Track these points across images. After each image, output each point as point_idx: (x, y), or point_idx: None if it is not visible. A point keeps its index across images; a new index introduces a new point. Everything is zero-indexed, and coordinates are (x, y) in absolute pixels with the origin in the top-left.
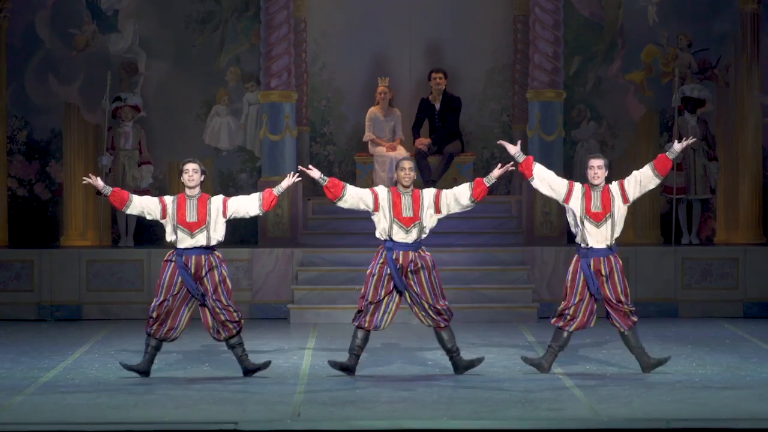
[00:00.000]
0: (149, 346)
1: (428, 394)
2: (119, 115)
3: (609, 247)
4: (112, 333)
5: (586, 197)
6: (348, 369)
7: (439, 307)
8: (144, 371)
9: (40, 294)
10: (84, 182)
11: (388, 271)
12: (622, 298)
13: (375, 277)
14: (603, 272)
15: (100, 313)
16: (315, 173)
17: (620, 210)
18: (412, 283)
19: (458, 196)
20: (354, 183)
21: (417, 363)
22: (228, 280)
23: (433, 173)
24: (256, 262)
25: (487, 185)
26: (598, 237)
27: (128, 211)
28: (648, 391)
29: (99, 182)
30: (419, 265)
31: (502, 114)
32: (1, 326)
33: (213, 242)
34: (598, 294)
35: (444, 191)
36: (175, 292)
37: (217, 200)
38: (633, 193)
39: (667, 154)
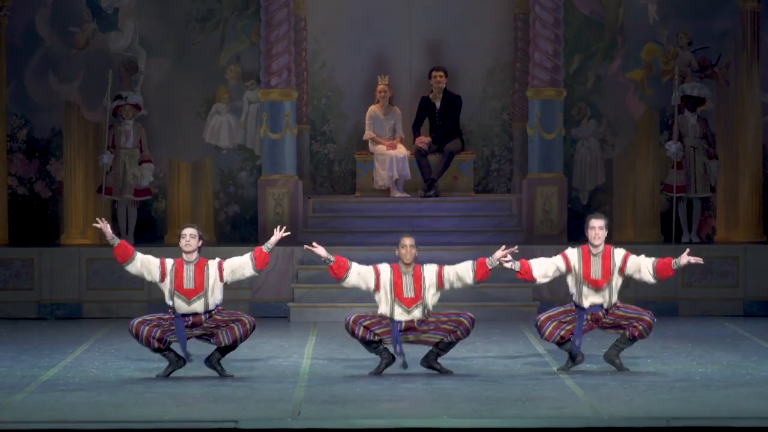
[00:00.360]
0: (165, 354)
1: (428, 392)
2: (120, 113)
3: (606, 309)
4: (112, 331)
5: (584, 260)
6: (388, 363)
7: (457, 318)
8: (179, 363)
9: (41, 292)
10: (96, 225)
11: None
12: (629, 314)
13: (373, 323)
14: (601, 315)
15: (101, 311)
16: (321, 251)
17: (617, 280)
18: (428, 329)
19: (462, 276)
20: (354, 181)
21: (417, 362)
22: (229, 311)
23: (433, 171)
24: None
25: (490, 267)
26: (595, 300)
27: (127, 268)
28: (648, 390)
29: (108, 230)
30: (425, 319)
31: (503, 112)
32: (1, 325)
33: (211, 307)
34: (578, 342)
35: (445, 268)
36: (164, 326)
37: (213, 266)
38: (629, 271)
39: (672, 263)
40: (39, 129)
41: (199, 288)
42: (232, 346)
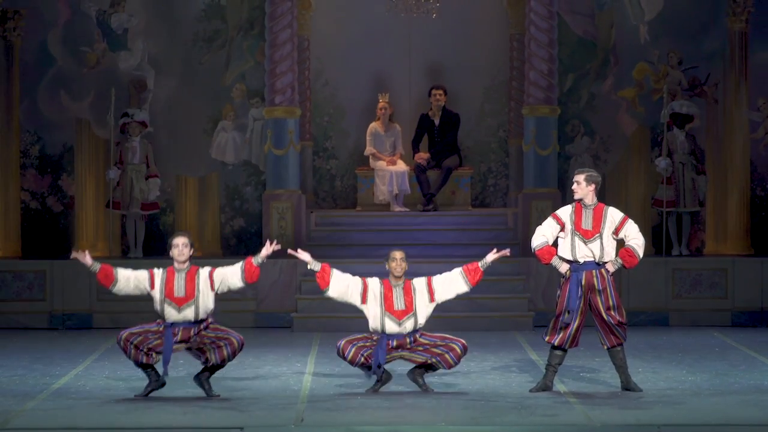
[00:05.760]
0: (147, 372)
1: (427, 400)
2: (127, 130)
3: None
4: None
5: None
6: (384, 382)
7: (449, 344)
8: (158, 382)
9: (52, 303)
10: (72, 257)
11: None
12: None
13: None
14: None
15: (110, 322)
16: (305, 257)
17: None
18: (418, 349)
19: (453, 282)
20: (355, 196)
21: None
22: (219, 327)
23: (431, 186)
24: (261, 272)
25: (483, 270)
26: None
27: (114, 291)
28: (640, 398)
29: (87, 259)
30: (416, 338)
31: (499, 129)
32: (14, 334)
33: (202, 315)
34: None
35: (434, 278)
36: (150, 339)
37: (204, 274)
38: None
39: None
40: (51, 145)
41: (190, 296)
42: (220, 365)
